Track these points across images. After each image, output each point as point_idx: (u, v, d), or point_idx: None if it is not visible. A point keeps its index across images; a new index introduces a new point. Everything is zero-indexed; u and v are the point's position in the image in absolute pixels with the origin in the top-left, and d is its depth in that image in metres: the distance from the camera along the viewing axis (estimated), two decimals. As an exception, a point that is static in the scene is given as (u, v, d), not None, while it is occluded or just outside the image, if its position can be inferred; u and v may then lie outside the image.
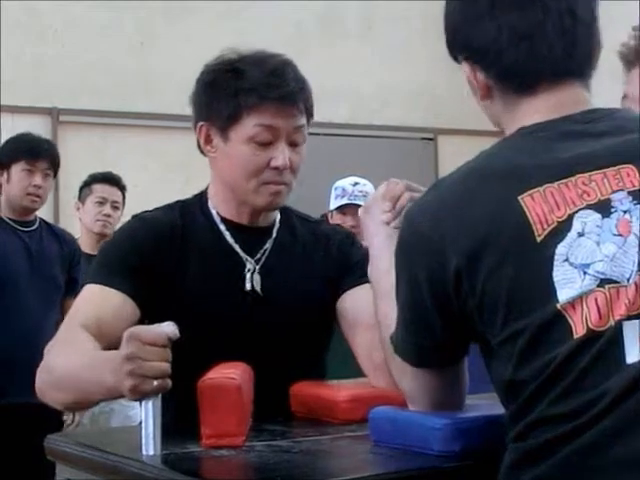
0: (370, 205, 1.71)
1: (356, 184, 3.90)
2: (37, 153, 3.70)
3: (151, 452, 1.41)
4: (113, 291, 1.77)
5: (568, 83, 1.35)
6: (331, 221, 3.83)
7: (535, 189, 1.24)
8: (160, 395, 1.41)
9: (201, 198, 1.95)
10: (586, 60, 1.36)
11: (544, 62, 1.33)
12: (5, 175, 3.69)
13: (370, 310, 1.71)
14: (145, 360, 1.37)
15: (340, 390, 1.79)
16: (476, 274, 1.25)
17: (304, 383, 1.84)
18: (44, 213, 5.35)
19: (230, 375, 1.50)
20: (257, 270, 1.89)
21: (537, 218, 1.23)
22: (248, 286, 1.87)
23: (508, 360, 1.24)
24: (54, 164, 3.77)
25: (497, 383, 1.30)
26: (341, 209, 3.88)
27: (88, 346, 1.64)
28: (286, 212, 1.99)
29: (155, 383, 1.38)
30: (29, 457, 3.53)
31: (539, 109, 1.34)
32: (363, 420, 1.59)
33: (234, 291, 1.87)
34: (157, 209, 1.93)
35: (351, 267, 1.91)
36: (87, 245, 4.28)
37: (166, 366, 1.38)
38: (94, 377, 1.51)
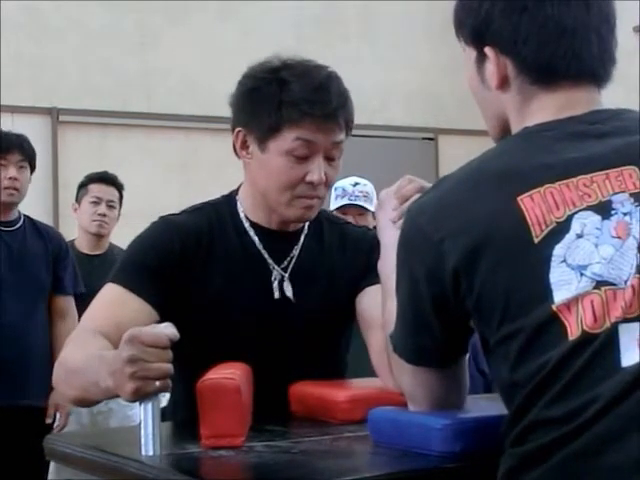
0: (383, 200, 1.72)
1: (356, 184, 3.89)
2: (7, 146, 3.66)
3: (150, 452, 1.41)
4: (133, 295, 1.77)
5: (588, 85, 1.36)
6: (331, 221, 3.82)
7: (535, 189, 1.24)
8: (159, 395, 1.41)
9: (230, 200, 1.95)
10: (610, 68, 1.38)
11: (579, 60, 1.34)
12: None
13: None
14: (147, 362, 1.37)
15: (340, 390, 1.78)
16: (474, 274, 1.24)
17: (304, 383, 1.83)
18: (44, 213, 5.37)
19: (229, 375, 1.50)
20: (287, 278, 1.89)
21: (535, 219, 1.22)
22: (277, 294, 1.88)
23: (505, 361, 1.24)
24: (28, 157, 3.71)
25: (497, 384, 1.30)
26: (341, 209, 3.87)
27: (98, 345, 1.64)
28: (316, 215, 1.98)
29: (157, 384, 1.38)
30: (14, 460, 3.52)
31: (553, 105, 1.34)
32: (363, 420, 1.58)
33: (260, 297, 1.88)
34: (184, 212, 1.92)
35: (372, 267, 1.91)
36: (84, 246, 4.28)
37: (167, 367, 1.38)
38: (93, 377, 1.51)
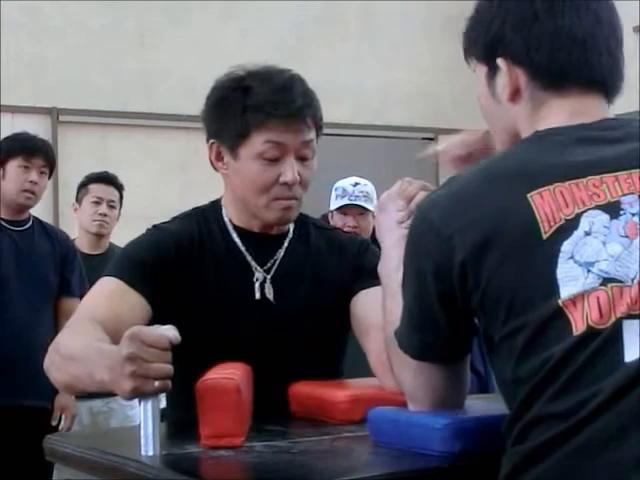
0: (385, 202, 1.73)
1: (356, 184, 3.90)
2: (33, 150, 3.72)
3: (150, 452, 1.41)
4: (131, 289, 1.80)
5: (597, 95, 1.38)
6: (331, 221, 3.83)
7: (545, 187, 1.25)
8: (159, 396, 1.40)
9: (216, 206, 1.98)
10: (619, 83, 1.40)
11: (590, 68, 1.36)
12: (1, 172, 3.70)
13: (381, 312, 1.71)
14: (146, 361, 1.37)
15: (339, 390, 1.78)
16: (481, 269, 1.25)
17: (303, 383, 1.83)
18: (44, 213, 5.36)
19: (229, 375, 1.50)
20: (268, 279, 1.91)
21: (545, 216, 1.24)
22: (257, 295, 1.91)
23: (509, 357, 1.24)
24: (49, 163, 3.78)
25: (500, 381, 1.30)
26: (342, 209, 3.88)
27: (96, 335, 1.65)
28: (302, 220, 2.01)
29: (156, 384, 1.38)
30: (19, 460, 3.51)
31: (563, 110, 1.36)
32: (362, 420, 1.58)
33: (245, 299, 1.90)
34: (175, 219, 1.96)
35: (364, 271, 1.92)
36: (85, 246, 4.28)
37: (167, 367, 1.38)
38: (88, 368, 1.52)
